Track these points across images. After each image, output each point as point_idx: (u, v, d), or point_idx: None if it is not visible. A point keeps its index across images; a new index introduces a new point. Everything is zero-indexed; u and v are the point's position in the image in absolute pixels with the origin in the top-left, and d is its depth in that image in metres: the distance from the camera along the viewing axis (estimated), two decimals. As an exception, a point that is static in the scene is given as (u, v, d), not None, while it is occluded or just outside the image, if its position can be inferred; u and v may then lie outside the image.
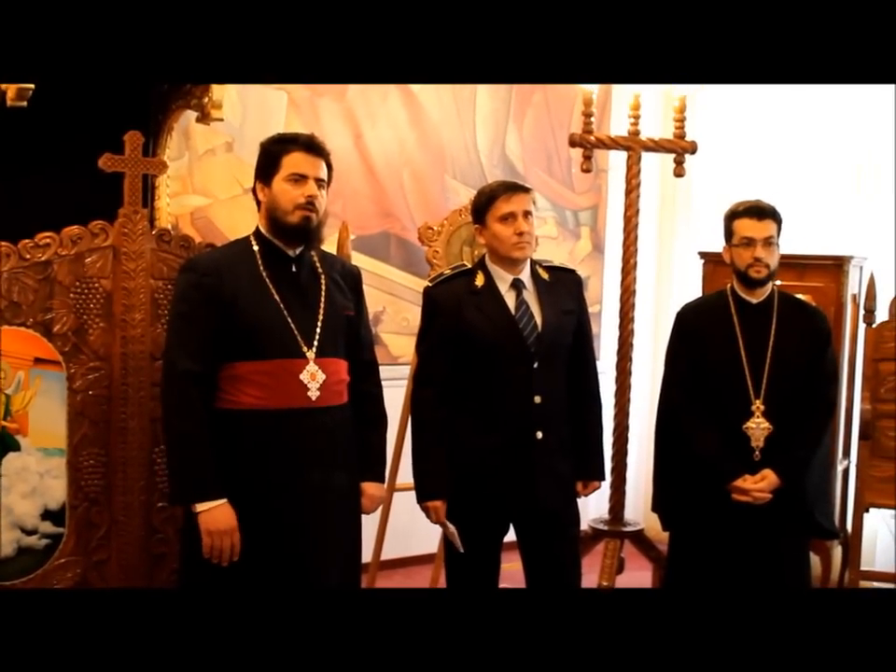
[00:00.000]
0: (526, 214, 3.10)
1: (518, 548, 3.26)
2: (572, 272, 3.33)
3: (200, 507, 2.75)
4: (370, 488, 3.05)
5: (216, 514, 2.75)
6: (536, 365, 3.09)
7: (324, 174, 2.88)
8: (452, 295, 3.14)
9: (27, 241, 3.02)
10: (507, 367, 3.09)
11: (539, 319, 3.13)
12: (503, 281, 3.15)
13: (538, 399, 3.10)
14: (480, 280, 3.16)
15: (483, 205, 3.14)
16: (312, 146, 2.86)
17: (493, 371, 3.10)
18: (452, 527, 3.13)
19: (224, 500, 2.76)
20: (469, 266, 3.26)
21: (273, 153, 2.85)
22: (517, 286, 3.15)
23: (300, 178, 2.82)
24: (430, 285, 3.22)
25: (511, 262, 3.14)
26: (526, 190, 3.14)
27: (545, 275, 3.22)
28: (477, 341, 3.09)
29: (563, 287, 3.24)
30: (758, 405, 3.43)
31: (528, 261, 3.19)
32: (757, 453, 3.42)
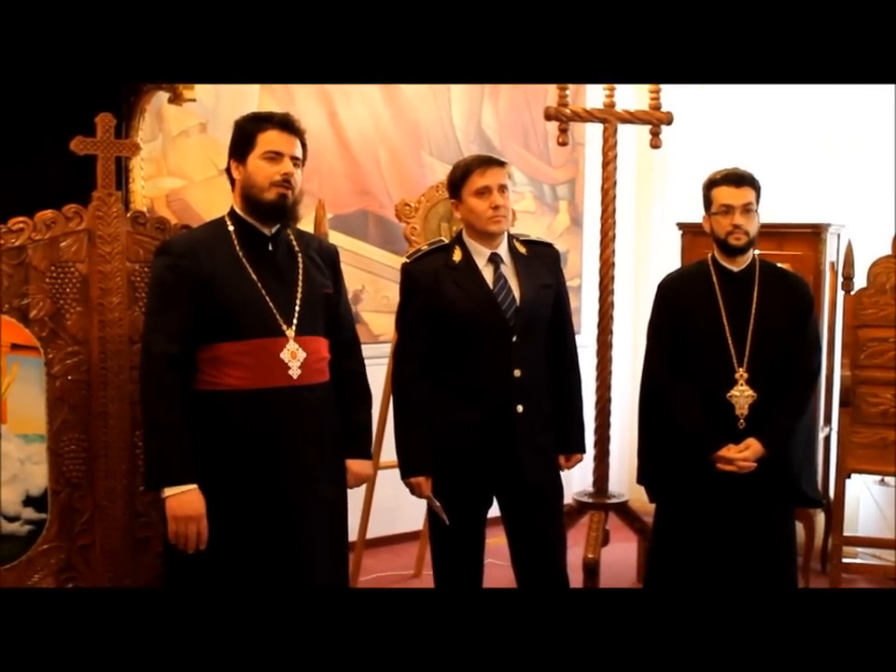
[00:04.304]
0: (502, 188, 3.09)
1: (502, 522, 3.27)
2: (550, 245, 3.33)
3: (167, 492, 2.75)
4: (355, 465, 3.06)
5: (181, 500, 2.73)
6: (515, 339, 3.09)
7: (299, 152, 2.87)
8: (429, 271, 3.14)
9: (0, 226, 2.99)
10: (486, 341, 3.09)
11: (517, 293, 3.12)
12: (480, 256, 3.14)
13: (517, 373, 3.10)
14: (457, 255, 3.15)
15: (458, 180, 3.13)
16: (287, 124, 2.85)
17: (472, 345, 3.10)
18: (437, 502, 3.13)
19: (193, 486, 2.75)
20: (447, 241, 3.25)
21: (247, 131, 2.84)
22: (495, 260, 3.15)
23: (275, 156, 2.81)
24: (408, 261, 3.21)
25: (488, 236, 3.13)
26: (501, 164, 3.13)
27: (522, 249, 3.22)
28: (456, 316, 3.09)
29: (540, 261, 3.24)
30: (741, 373, 3.43)
31: (505, 235, 3.18)
32: (742, 421, 3.42)
